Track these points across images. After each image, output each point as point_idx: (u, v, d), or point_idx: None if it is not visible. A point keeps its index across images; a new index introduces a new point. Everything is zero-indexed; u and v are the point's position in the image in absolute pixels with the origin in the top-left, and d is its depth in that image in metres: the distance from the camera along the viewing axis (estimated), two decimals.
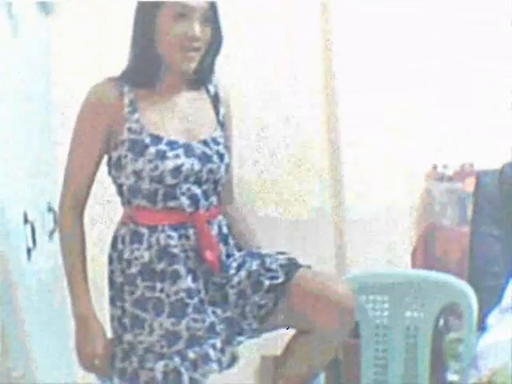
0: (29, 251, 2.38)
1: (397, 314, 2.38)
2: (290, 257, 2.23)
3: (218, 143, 2.20)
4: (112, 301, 2.18)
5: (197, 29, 2.11)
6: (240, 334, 2.16)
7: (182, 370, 2.08)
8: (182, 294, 2.10)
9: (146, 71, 2.17)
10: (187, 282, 2.11)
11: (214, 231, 2.19)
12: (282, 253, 2.25)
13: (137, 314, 2.11)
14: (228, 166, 2.22)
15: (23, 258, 2.36)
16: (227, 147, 2.25)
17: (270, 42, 3.47)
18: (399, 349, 2.40)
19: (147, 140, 2.11)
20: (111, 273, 2.19)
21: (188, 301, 2.10)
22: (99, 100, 2.16)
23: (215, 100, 2.26)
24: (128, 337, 2.13)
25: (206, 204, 2.16)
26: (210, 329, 2.11)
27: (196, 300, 2.11)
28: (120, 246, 2.16)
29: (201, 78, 2.24)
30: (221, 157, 2.19)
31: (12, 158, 2.34)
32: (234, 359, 2.15)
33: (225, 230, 2.23)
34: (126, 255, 2.14)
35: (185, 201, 2.13)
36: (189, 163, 2.12)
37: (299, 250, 2.63)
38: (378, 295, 2.37)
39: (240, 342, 2.16)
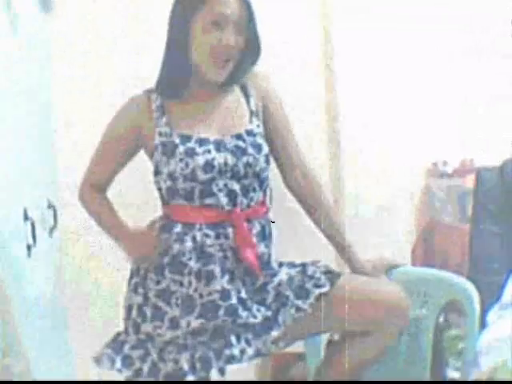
0: (29, 248, 2.38)
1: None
2: (327, 265, 2.25)
3: (253, 135, 2.17)
4: (134, 288, 2.16)
5: (231, 38, 2.11)
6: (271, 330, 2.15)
7: (209, 357, 2.07)
8: (216, 296, 2.09)
9: (178, 84, 2.17)
10: (222, 283, 2.09)
11: (255, 230, 2.16)
12: (317, 261, 2.27)
13: (159, 305, 2.10)
14: (267, 157, 2.18)
15: (23, 255, 2.36)
16: (274, 135, 2.24)
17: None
18: (400, 346, 2.40)
19: (177, 140, 2.12)
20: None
21: (220, 303, 2.09)
22: (128, 107, 2.21)
23: (244, 90, 2.24)
24: (147, 327, 2.11)
25: (246, 201, 2.14)
26: (242, 326, 2.10)
27: (229, 302, 2.09)
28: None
29: (231, 83, 2.22)
30: (258, 148, 2.16)
31: (12, 155, 2.34)
32: (258, 353, 2.13)
33: (267, 229, 2.20)
34: (155, 244, 2.13)
35: (222, 198, 2.10)
36: (221, 158, 2.10)
37: (299, 250, 2.63)
38: None
39: (271, 339, 2.14)
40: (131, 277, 2.19)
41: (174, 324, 2.08)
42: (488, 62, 3.54)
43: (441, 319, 2.65)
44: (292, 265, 2.24)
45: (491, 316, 2.69)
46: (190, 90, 2.18)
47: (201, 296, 2.09)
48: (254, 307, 2.12)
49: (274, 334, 2.13)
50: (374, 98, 3.50)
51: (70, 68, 3.13)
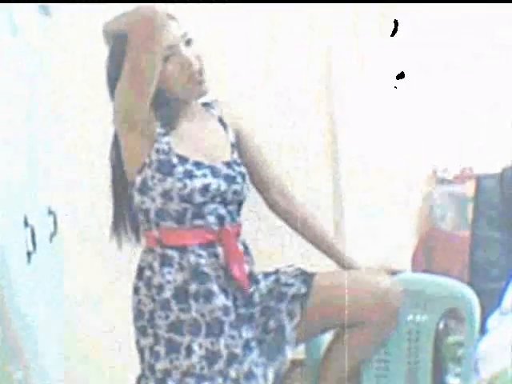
0: (29, 254, 2.38)
1: (399, 318, 2.37)
2: (298, 268, 2.29)
3: (239, 164, 2.23)
4: (142, 331, 2.14)
5: (188, 56, 2.15)
6: (275, 349, 2.19)
7: None
8: (218, 313, 2.10)
9: (169, 116, 2.17)
10: (221, 299, 2.11)
11: (240, 248, 2.20)
12: (290, 266, 2.31)
13: (172, 338, 2.09)
14: (248, 186, 2.24)
15: (23, 262, 2.36)
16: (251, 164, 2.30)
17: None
18: (401, 353, 2.40)
19: (175, 160, 2.12)
20: (138, 303, 2.15)
21: (224, 318, 2.10)
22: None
23: (221, 122, 2.30)
24: (162, 364, 2.09)
25: (231, 222, 2.17)
26: (246, 345, 2.13)
27: (231, 317, 2.12)
28: (148, 273, 2.14)
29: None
30: (243, 177, 2.22)
31: (12, 160, 2.34)
32: (278, 376, 2.17)
33: (247, 246, 2.25)
34: (157, 281, 2.12)
35: (212, 220, 2.13)
36: (216, 183, 2.13)
37: (300, 256, 2.64)
38: None
39: (283, 358, 2.19)
40: (136, 320, 2.16)
41: (189, 351, 2.08)
42: (488, 70, 3.54)
43: (441, 325, 2.64)
44: (266, 275, 2.28)
45: (491, 322, 2.69)
46: (180, 117, 2.20)
47: (203, 315, 2.10)
48: (243, 326, 2.16)
49: (288, 352, 2.20)
50: (374, 105, 3.50)
51: (70, 69, 3.14)
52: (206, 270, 2.11)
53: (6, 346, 2.08)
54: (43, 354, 2.52)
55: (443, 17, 3.50)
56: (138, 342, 2.16)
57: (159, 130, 2.15)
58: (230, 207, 2.17)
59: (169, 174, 2.10)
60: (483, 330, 2.65)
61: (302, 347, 2.44)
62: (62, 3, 3.07)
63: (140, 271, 2.17)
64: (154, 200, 2.12)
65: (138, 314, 2.15)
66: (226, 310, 2.11)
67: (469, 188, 3.34)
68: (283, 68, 3.49)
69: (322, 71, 3.54)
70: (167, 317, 2.10)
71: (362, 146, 3.53)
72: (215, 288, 2.11)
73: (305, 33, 3.51)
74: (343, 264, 2.34)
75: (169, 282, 2.11)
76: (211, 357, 2.08)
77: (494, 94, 3.55)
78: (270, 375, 2.15)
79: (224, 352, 2.08)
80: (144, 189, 2.12)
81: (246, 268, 2.20)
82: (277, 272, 2.28)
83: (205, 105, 2.31)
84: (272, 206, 2.38)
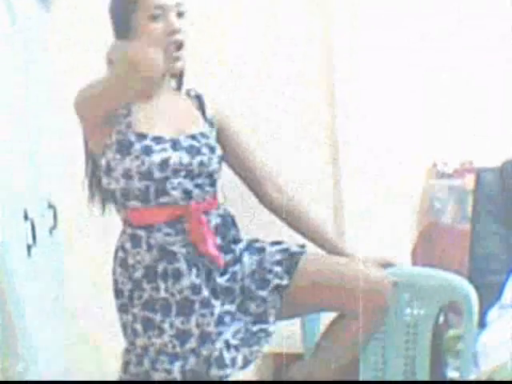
0: (29, 248, 2.38)
1: (397, 311, 2.37)
2: (285, 248, 2.26)
3: (207, 137, 2.20)
4: (122, 309, 2.16)
5: (175, 22, 2.11)
6: (253, 331, 2.18)
7: (199, 369, 2.08)
8: (187, 292, 2.10)
9: None
10: (190, 278, 2.10)
11: (215, 221, 2.18)
12: (277, 243, 2.28)
13: (147, 316, 2.11)
14: (220, 159, 2.20)
15: (23, 255, 2.36)
16: (231, 143, 2.28)
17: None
18: (399, 346, 2.40)
19: (132, 138, 2.10)
20: (115, 282, 2.18)
21: (193, 297, 2.10)
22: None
23: (198, 101, 2.28)
24: (141, 341, 2.12)
25: (201, 195, 2.15)
26: (219, 321, 2.12)
27: (202, 295, 2.11)
28: (121, 254, 2.16)
29: (180, 79, 2.26)
30: (211, 149, 2.18)
31: (12, 154, 2.34)
32: (247, 361, 2.15)
33: (228, 218, 2.23)
34: (130, 261, 2.13)
35: (178, 195, 2.11)
36: (176, 156, 2.10)
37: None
38: None
39: (259, 348, 2.17)
40: (116, 298, 2.18)
41: (161, 330, 2.10)
42: (489, 63, 3.53)
43: (441, 319, 2.65)
44: (250, 251, 2.25)
45: (491, 316, 2.70)
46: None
47: (173, 295, 2.10)
48: (216, 302, 2.14)
49: (265, 344, 2.18)
50: (374, 99, 3.49)
51: (69, 62, 3.13)
52: (174, 248, 2.10)
53: (6, 338, 2.08)
54: (43, 347, 2.52)
55: (444, 10, 3.49)
56: (120, 319, 2.17)
57: (121, 110, 2.13)
58: (199, 180, 2.14)
59: (127, 154, 2.09)
60: (483, 324, 2.66)
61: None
62: None
63: (116, 252, 2.18)
64: (117, 181, 2.11)
65: (118, 293, 2.17)
66: (195, 289, 2.10)
67: (469, 182, 3.33)
68: (282, 54, 3.48)
69: (320, 67, 3.54)
70: (141, 296, 2.11)
71: (361, 140, 3.53)
72: (184, 267, 2.10)
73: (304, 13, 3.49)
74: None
75: (139, 262, 2.11)
76: (182, 336, 2.08)
77: (495, 87, 3.55)
78: (240, 359, 2.13)
79: (195, 330, 2.09)
80: (107, 170, 2.13)
81: (226, 239, 2.18)
82: (262, 250, 2.25)
83: (186, 90, 2.29)
84: (265, 202, 2.35)
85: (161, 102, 2.19)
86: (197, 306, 2.10)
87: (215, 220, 2.18)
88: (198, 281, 2.11)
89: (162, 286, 2.10)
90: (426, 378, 2.40)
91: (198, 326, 2.10)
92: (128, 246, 2.14)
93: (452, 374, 2.68)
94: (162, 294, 2.10)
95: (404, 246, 3.55)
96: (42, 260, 2.63)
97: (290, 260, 2.24)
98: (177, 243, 2.11)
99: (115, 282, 2.17)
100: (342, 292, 2.19)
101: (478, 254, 3.02)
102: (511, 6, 3.44)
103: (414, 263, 3.51)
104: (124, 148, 2.09)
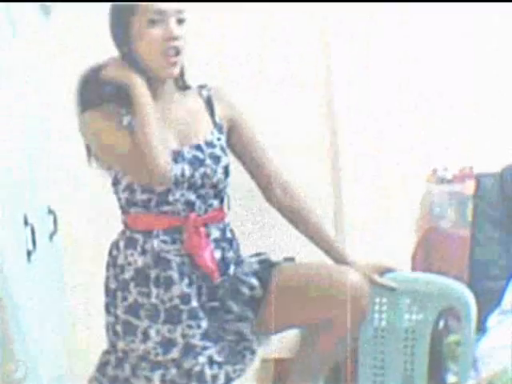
0: (29, 253, 2.38)
1: (395, 316, 2.37)
2: (263, 259, 2.24)
3: (213, 146, 2.17)
4: (106, 308, 2.17)
5: (174, 29, 2.08)
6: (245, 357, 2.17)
7: (179, 381, 2.07)
8: (176, 301, 2.09)
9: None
10: (181, 287, 2.09)
11: (214, 235, 2.17)
12: (257, 254, 2.27)
13: (129, 320, 2.10)
14: (226, 169, 2.18)
15: (23, 260, 2.36)
16: (240, 148, 2.26)
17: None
18: (397, 351, 2.40)
19: None
20: (107, 279, 2.18)
21: (182, 307, 2.09)
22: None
23: (208, 103, 2.24)
24: (121, 344, 2.12)
25: (203, 208, 2.14)
26: (205, 336, 2.10)
27: (191, 306, 2.09)
28: (115, 252, 2.16)
29: (182, 80, 2.22)
30: (216, 159, 2.16)
31: (12, 160, 2.34)
32: (229, 379, 2.12)
33: (227, 233, 2.21)
34: (120, 261, 2.13)
35: (179, 206, 2.11)
36: (178, 169, 2.08)
37: (300, 256, 2.63)
38: (376, 298, 2.37)
39: (243, 366, 2.16)
40: (105, 296, 2.18)
41: (146, 336, 2.08)
42: (487, 68, 3.54)
43: (441, 325, 2.65)
44: (236, 264, 2.23)
45: (491, 321, 2.69)
46: (152, 92, 2.11)
47: (163, 302, 2.09)
48: (206, 315, 2.13)
49: (249, 359, 2.17)
50: (374, 104, 3.50)
51: (69, 69, 3.13)
52: (168, 256, 2.09)
53: (4, 344, 2.08)
54: (42, 352, 2.52)
55: (439, 17, 3.50)
56: (105, 319, 2.18)
57: (126, 118, 2.10)
58: (202, 191, 2.13)
59: None
60: (483, 330, 2.65)
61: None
62: (62, 1, 3.08)
63: (111, 249, 2.18)
64: (122, 192, 2.12)
65: (106, 291, 2.17)
66: (184, 299, 2.08)
67: (468, 187, 3.33)
68: (279, 56, 3.49)
69: (319, 73, 3.54)
70: (125, 298, 2.10)
71: (361, 145, 3.53)
72: (175, 276, 2.09)
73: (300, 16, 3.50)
74: (342, 263, 2.30)
75: (130, 263, 2.11)
76: (167, 344, 2.07)
77: (495, 92, 3.55)
78: (222, 377, 2.10)
79: (180, 341, 2.07)
80: (115, 181, 2.14)
81: (218, 256, 2.15)
82: (240, 263, 2.22)
83: (199, 87, 2.26)
84: (273, 203, 2.33)
85: (166, 106, 2.15)
86: (184, 315, 2.08)
87: (216, 233, 2.17)
88: (188, 290, 2.10)
89: (154, 291, 2.08)
90: (425, 383, 2.40)
91: (183, 336, 2.08)
92: (122, 245, 2.14)
93: (452, 380, 2.68)
94: (153, 300, 2.08)
95: (404, 251, 3.55)
96: (42, 265, 2.63)
97: (264, 270, 2.21)
98: (172, 251, 2.11)
99: (106, 278, 2.18)
100: (320, 299, 2.14)
101: (477, 260, 3.02)
102: (510, 14, 3.45)
103: (414, 268, 3.51)
104: None
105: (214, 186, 2.16)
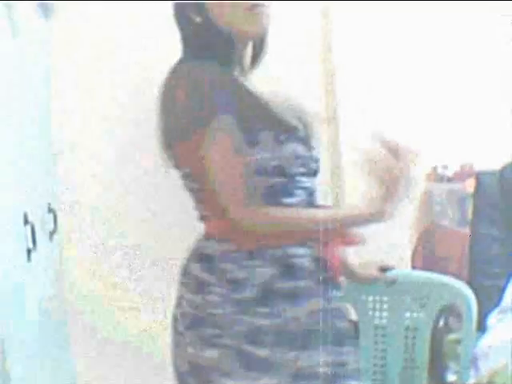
0: (29, 252, 2.38)
1: (396, 314, 2.38)
2: None
3: None
4: (208, 341, 1.76)
5: None
6: None
7: None
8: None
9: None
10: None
11: None
12: None
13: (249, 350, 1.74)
14: None
15: (23, 259, 2.36)
16: None
17: None
18: (398, 349, 2.40)
19: None
20: (196, 307, 1.80)
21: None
22: None
23: None
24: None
25: None
26: None
27: None
28: (223, 266, 1.79)
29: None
30: None
31: (12, 158, 2.34)
32: None
33: None
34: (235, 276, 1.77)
35: None
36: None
37: None
38: (377, 296, 2.37)
39: None
40: (187, 328, 1.81)
41: None
42: (487, 65, 3.54)
43: (441, 323, 2.65)
44: None
45: (491, 320, 2.69)
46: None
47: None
48: None
49: None
50: (374, 101, 3.50)
51: (69, 69, 3.14)
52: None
53: (5, 343, 2.08)
54: (42, 352, 2.52)
55: (442, 9, 3.50)
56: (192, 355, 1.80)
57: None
58: None
59: None
60: (483, 328, 2.65)
61: None
62: (62, 0, 3.08)
63: (201, 259, 1.84)
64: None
65: (195, 320, 1.79)
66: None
67: (468, 185, 3.34)
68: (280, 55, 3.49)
69: (319, 67, 3.55)
70: (241, 323, 1.74)
71: (361, 143, 3.53)
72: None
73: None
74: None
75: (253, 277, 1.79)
76: None
77: (494, 90, 3.55)
78: None
79: None
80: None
81: None
82: None
83: None
84: None
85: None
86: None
87: None
88: None
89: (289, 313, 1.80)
90: (424, 382, 2.40)
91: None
92: (236, 255, 1.80)
93: (452, 378, 2.68)
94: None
95: (404, 248, 3.55)
96: (42, 264, 2.63)
97: None
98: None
99: (191, 303, 1.82)
100: None
101: (477, 257, 3.02)
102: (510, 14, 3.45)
103: (414, 266, 3.52)
104: None
105: None
